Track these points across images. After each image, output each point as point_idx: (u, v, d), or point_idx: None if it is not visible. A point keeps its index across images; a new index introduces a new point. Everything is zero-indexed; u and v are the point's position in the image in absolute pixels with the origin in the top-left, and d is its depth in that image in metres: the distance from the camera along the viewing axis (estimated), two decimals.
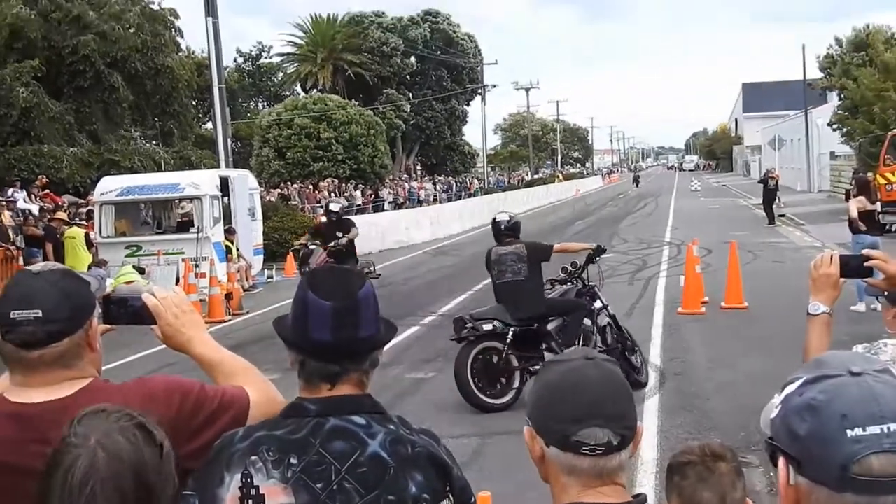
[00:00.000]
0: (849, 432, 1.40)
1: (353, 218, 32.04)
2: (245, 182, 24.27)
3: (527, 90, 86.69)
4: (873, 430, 1.40)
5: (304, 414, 2.19)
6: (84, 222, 22.64)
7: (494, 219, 10.74)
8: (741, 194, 57.13)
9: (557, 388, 1.84)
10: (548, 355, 9.49)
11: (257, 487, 2.11)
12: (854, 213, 14.80)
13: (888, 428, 1.40)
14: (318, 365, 2.22)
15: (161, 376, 2.45)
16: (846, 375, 1.48)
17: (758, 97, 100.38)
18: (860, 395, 1.44)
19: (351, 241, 16.17)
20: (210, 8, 27.02)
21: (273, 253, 25.45)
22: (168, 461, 1.76)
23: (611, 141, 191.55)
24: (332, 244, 15.93)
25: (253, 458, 2.13)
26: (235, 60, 65.29)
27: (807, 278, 3.11)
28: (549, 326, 9.96)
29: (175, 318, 2.53)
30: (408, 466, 2.16)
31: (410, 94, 65.71)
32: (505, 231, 10.42)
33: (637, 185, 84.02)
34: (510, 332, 9.68)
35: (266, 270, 24.36)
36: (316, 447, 2.14)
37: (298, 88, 64.08)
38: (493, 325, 9.69)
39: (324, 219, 19.63)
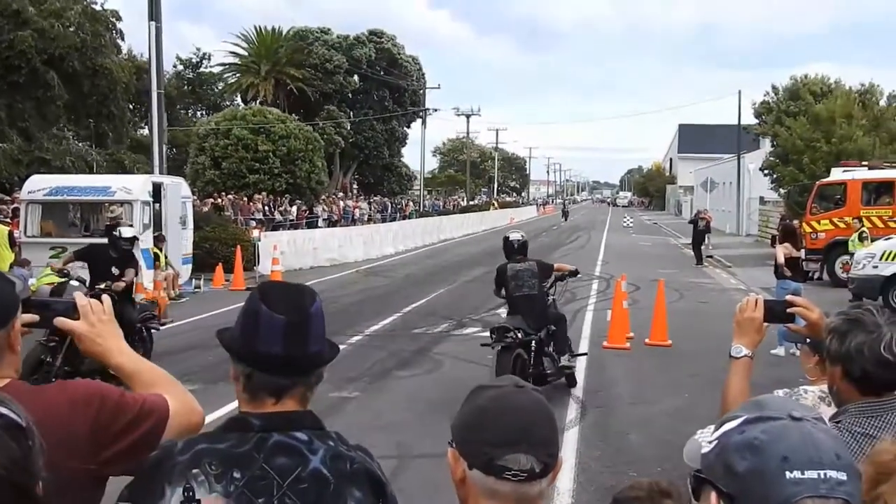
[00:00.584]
0: (788, 474, 1.45)
1: (287, 234, 31.93)
2: (178, 189, 23.99)
3: (467, 116, 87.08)
4: (811, 474, 1.45)
5: (248, 428, 2.19)
6: (8, 220, 22.16)
7: (507, 237, 11.95)
8: (672, 233, 58.00)
9: (486, 413, 1.85)
10: (545, 360, 11.23)
11: (199, 501, 2.10)
12: (780, 259, 15.14)
13: (825, 474, 1.45)
14: (267, 378, 2.22)
15: (82, 381, 2.42)
16: (787, 419, 1.53)
17: (693, 139, 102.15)
18: (801, 439, 1.49)
19: (130, 285, 12.75)
20: (153, 12, 26.77)
21: (202, 263, 25.16)
22: (38, 458, 1.66)
23: (547, 172, 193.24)
24: (104, 285, 12.16)
25: (195, 471, 2.11)
26: (175, 66, 64.49)
27: (730, 320, 3.17)
28: (541, 335, 11.23)
29: (92, 326, 2.50)
30: (347, 482, 2.17)
31: (351, 113, 65.66)
32: (517, 249, 11.65)
33: (566, 220, 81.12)
34: (533, 340, 11.04)
35: (194, 280, 24.08)
36: (259, 462, 2.13)
37: (238, 99, 63.59)
38: (526, 334, 10.95)
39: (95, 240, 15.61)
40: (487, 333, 16.27)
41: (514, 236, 11.95)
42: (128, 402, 2.35)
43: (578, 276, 12.84)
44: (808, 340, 3.50)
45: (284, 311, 2.20)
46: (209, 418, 9.91)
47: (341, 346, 9.83)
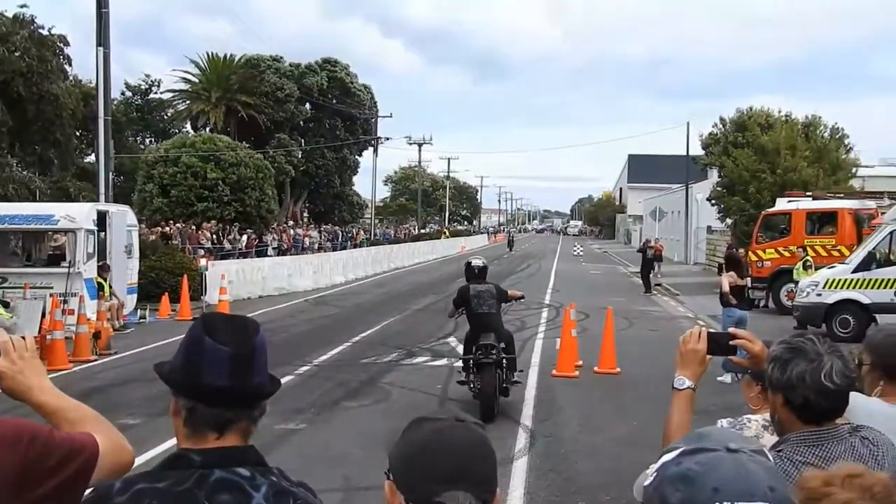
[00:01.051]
0: None
1: (235, 263, 31.65)
2: (124, 218, 23.66)
3: (419, 145, 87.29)
4: None
5: (189, 465, 2.11)
6: None
7: (469, 262, 13.42)
8: (621, 262, 58.46)
9: (425, 448, 1.82)
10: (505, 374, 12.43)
11: None
12: (726, 288, 15.29)
13: None
14: (211, 412, 2.16)
15: (11, 418, 2.32)
16: (723, 451, 1.51)
17: (643, 169, 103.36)
18: (734, 471, 1.48)
19: None
20: (101, 37, 26.52)
21: (148, 292, 24.82)
22: None
23: (499, 201, 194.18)
24: None
25: None
26: (123, 93, 63.90)
27: (676, 348, 3.15)
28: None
29: (13, 364, 2.42)
30: None
31: (303, 141, 65.50)
32: (478, 273, 13.04)
33: (511, 249, 77.10)
34: (503, 358, 12.31)
35: (139, 310, 23.71)
36: (201, 500, 2.06)
37: (188, 126, 63.15)
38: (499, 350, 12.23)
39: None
40: (437, 363, 16.30)
41: (476, 262, 13.36)
42: (56, 440, 2.26)
43: (523, 300, 14.50)
44: (749, 372, 3.49)
45: (230, 343, 2.15)
46: (153, 453, 9.70)
47: (288, 377, 9.77)
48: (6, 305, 17.91)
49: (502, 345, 12.44)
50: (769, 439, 3.30)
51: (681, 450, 1.56)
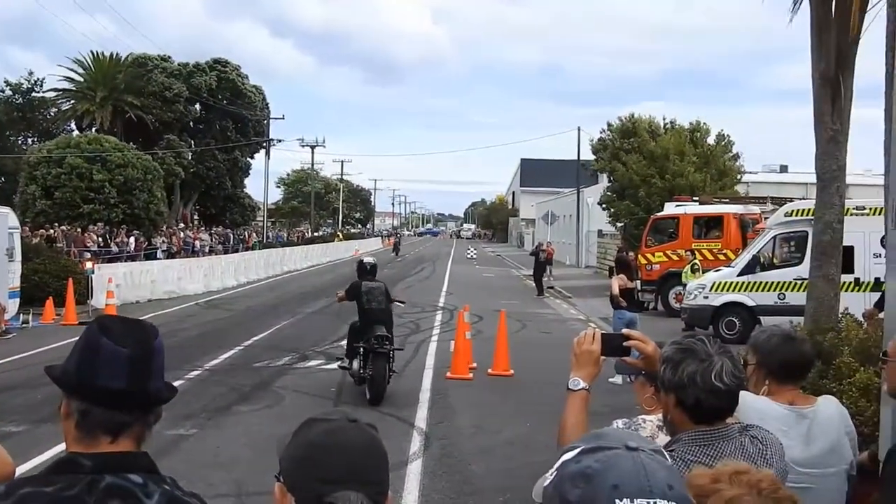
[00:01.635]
0: (618, 502, 1.45)
1: (123, 266, 30.92)
2: (5, 220, 22.89)
3: (312, 147, 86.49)
4: (640, 502, 1.45)
5: (78, 470, 2.04)
6: None
7: (362, 260, 14.88)
8: (514, 265, 59.05)
9: (316, 448, 1.81)
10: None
11: None
12: (615, 290, 15.59)
13: (654, 502, 1.45)
14: (106, 414, 2.10)
15: None
16: (622, 449, 1.53)
17: (535, 173, 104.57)
18: (633, 468, 1.49)
19: None
20: None
21: (31, 297, 24.05)
22: None
23: (392, 204, 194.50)
24: None
25: None
26: (3, 91, 61.66)
27: (570, 350, 3.18)
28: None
29: None
30: None
31: (193, 142, 64.39)
32: (369, 270, 14.39)
33: (397, 255, 72.71)
34: (393, 350, 13.79)
35: (22, 315, 22.95)
36: None
37: (73, 126, 61.38)
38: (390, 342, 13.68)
39: None
40: (331, 366, 16.20)
41: (368, 260, 14.94)
42: None
43: (403, 304, 16.57)
44: (643, 373, 3.55)
45: (128, 345, 2.11)
46: (37, 460, 9.41)
47: (179, 382, 9.60)
48: None
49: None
50: (664, 440, 3.36)
51: (580, 448, 1.58)
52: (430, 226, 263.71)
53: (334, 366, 16.40)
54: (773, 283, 21.03)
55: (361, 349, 13.43)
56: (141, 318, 2.33)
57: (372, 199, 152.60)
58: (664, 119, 43.60)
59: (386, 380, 13.33)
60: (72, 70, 61.29)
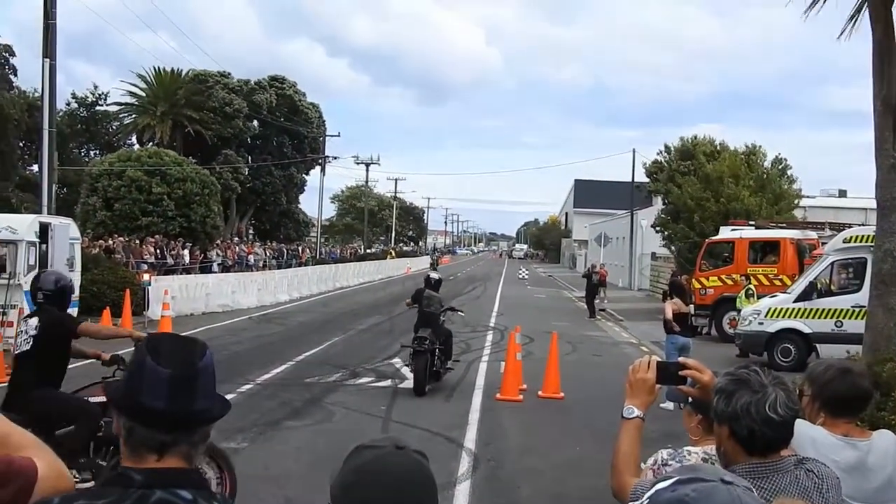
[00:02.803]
0: None
1: (179, 278, 31.32)
2: (66, 231, 23.33)
3: (367, 165, 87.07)
4: None
5: (129, 484, 2.08)
6: None
7: (429, 275, 17.58)
8: (566, 286, 58.83)
9: (364, 475, 1.84)
10: (437, 362, 15.91)
11: None
12: (669, 315, 15.44)
13: None
14: (148, 433, 2.13)
15: None
16: (718, 482, 1.57)
17: (589, 194, 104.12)
18: (729, 499, 1.54)
19: None
20: (48, 48, 26.21)
21: (89, 307, 24.41)
22: None
23: (445, 223, 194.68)
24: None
25: None
26: (69, 104, 62.90)
27: (622, 373, 3.16)
28: (438, 344, 15.97)
29: None
30: None
31: (250, 158, 65.10)
32: (434, 284, 17.09)
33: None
34: (437, 348, 15.83)
35: None
36: None
37: (134, 140, 62.43)
38: (432, 342, 15.62)
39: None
40: (381, 384, 16.31)
41: (434, 275, 17.81)
42: None
43: (461, 314, 19.18)
44: (690, 401, 3.52)
45: (171, 365, 2.13)
46: None
47: (231, 395, 9.63)
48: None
49: (438, 341, 15.85)
50: None
51: (676, 479, 1.61)
52: (482, 245, 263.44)
53: (385, 383, 16.50)
54: (830, 310, 20.70)
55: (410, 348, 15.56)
56: (192, 336, 2.36)
57: (425, 217, 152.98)
58: (720, 143, 43.24)
59: (426, 375, 15.27)
60: (134, 85, 62.44)
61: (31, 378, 7.97)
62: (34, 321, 8.23)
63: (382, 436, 2.06)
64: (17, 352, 8.25)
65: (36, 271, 20.83)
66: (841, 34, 11.10)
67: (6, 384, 8.35)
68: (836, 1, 10.94)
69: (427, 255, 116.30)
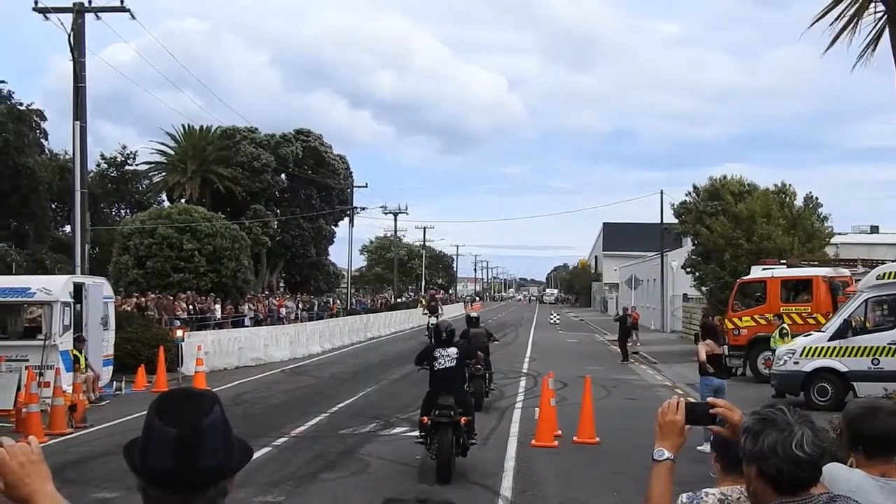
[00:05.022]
0: None
1: (211, 333, 31.54)
2: (100, 290, 23.65)
3: (395, 214, 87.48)
4: None
5: None
6: None
7: (469, 314, 21.00)
8: (598, 329, 58.54)
9: None
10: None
11: None
12: (703, 357, 15.36)
13: None
14: (158, 493, 2.18)
15: None
16: None
17: (617, 237, 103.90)
18: None
19: None
20: (78, 111, 26.74)
21: (124, 365, 24.66)
22: None
23: (475, 270, 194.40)
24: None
25: None
26: (98, 165, 63.81)
27: (654, 419, 3.20)
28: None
29: (20, 467, 2.34)
30: None
31: (278, 211, 65.54)
32: (474, 321, 20.63)
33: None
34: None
35: (115, 382, 23.55)
36: None
37: (164, 197, 63.13)
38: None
39: None
40: (415, 433, 16.28)
41: (473, 314, 20.98)
42: None
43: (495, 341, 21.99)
44: (711, 439, 3.55)
45: (176, 424, 2.16)
46: None
47: (266, 449, 9.70)
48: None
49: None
50: None
51: None
52: (513, 291, 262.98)
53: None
54: (866, 347, 20.49)
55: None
56: (205, 391, 2.39)
57: (454, 264, 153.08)
58: (747, 182, 43.13)
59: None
60: (163, 143, 63.23)
61: None
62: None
63: (412, 486, 2.10)
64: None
65: (71, 332, 21.19)
66: (857, 61, 11.16)
67: (45, 444, 8.45)
68: (851, 38, 11.05)
69: (463, 300, 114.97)
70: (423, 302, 40.87)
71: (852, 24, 10.87)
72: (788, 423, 2.74)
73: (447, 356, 13.14)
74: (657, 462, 3.09)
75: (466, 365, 14.45)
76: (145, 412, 2.26)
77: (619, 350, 35.36)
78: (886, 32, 10.44)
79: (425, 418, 12.90)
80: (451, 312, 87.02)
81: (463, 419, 12.77)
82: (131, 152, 65.71)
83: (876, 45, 10.60)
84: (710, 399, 3.26)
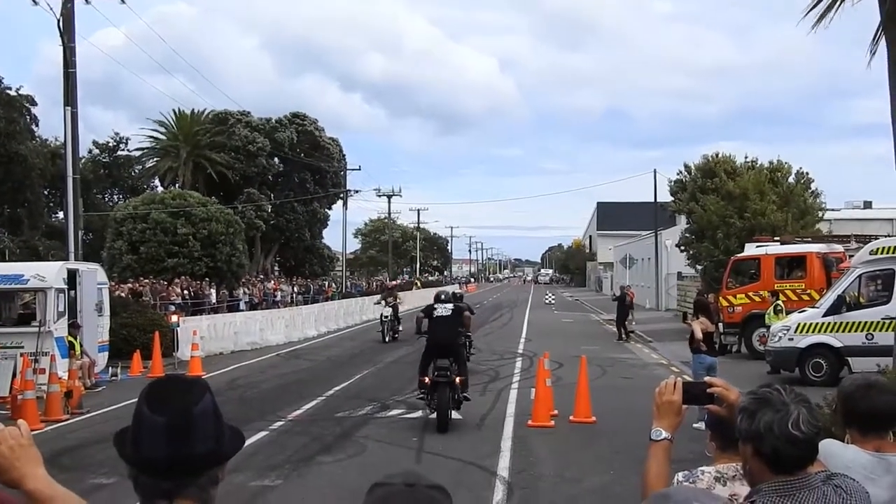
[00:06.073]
0: None
1: (207, 318, 31.50)
2: (94, 276, 23.59)
3: (388, 197, 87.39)
4: None
5: None
6: None
7: (454, 292, 20.52)
8: (593, 309, 58.64)
9: None
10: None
11: None
12: (699, 334, 15.37)
13: None
14: (152, 481, 2.17)
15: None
16: None
17: (612, 216, 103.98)
18: None
19: None
20: (69, 97, 26.61)
21: (119, 350, 24.64)
22: None
23: (469, 251, 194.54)
24: None
25: None
26: (91, 151, 63.64)
27: (652, 395, 3.19)
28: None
29: (10, 451, 2.38)
30: None
31: (272, 195, 65.42)
32: (458, 297, 20.00)
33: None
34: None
35: (111, 368, 23.53)
36: None
37: (157, 183, 63.00)
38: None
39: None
40: (412, 415, 16.33)
41: (459, 292, 20.95)
42: None
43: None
44: (706, 419, 3.55)
45: (166, 412, 2.14)
46: None
47: (262, 433, 9.68)
48: None
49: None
50: (721, 490, 3.37)
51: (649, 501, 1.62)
52: (507, 271, 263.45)
53: (416, 415, 16.50)
54: (860, 323, 20.55)
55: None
56: (193, 378, 2.37)
57: (449, 246, 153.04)
58: (745, 158, 43.04)
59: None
60: (154, 130, 63.02)
61: None
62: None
63: (400, 471, 2.09)
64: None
65: (66, 318, 21.16)
66: (870, 62, 11.17)
67: (41, 430, 8.44)
68: (841, 14, 11.02)
69: (455, 283, 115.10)
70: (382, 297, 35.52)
71: (839, 3, 10.86)
72: (784, 403, 2.73)
73: (444, 308, 15.77)
74: (655, 442, 3.08)
75: (459, 329, 16.26)
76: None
77: (614, 329, 35.37)
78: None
79: (427, 378, 15.09)
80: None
81: (458, 379, 15.08)
82: (124, 137, 65.54)
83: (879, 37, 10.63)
84: (707, 378, 3.25)
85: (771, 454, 2.70)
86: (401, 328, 35.19)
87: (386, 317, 34.59)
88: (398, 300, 37.13)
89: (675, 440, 3.13)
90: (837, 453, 3.38)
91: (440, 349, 15.29)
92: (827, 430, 3.40)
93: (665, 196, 50.95)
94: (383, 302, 35.59)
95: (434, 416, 15.03)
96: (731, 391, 3.12)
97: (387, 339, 33.57)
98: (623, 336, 34.05)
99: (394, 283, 38.00)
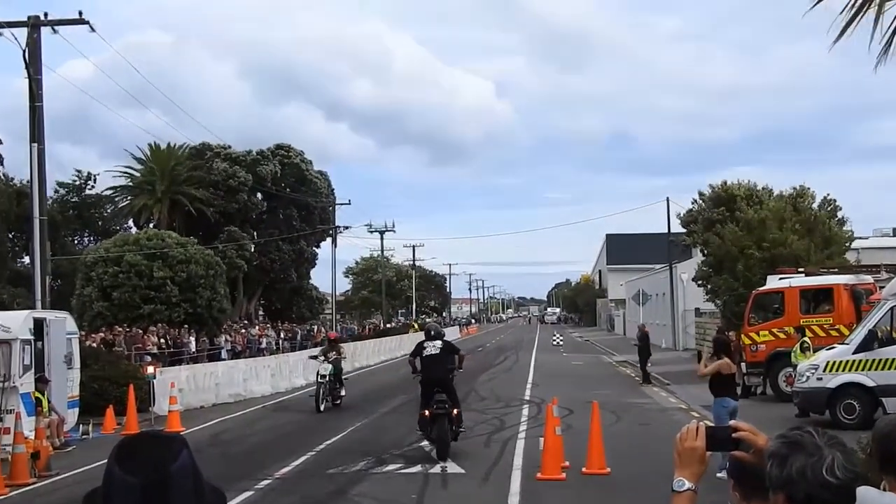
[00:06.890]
0: None
1: (186, 369, 31.35)
2: (63, 325, 23.52)
3: (381, 233, 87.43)
4: None
5: None
6: None
7: (433, 330, 20.63)
8: (605, 350, 58.51)
9: None
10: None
11: None
12: (706, 370, 15.32)
13: None
14: None
15: None
16: None
17: (622, 249, 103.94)
18: None
19: None
20: (35, 132, 26.68)
21: (91, 405, 24.49)
22: None
23: (469, 290, 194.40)
24: None
25: None
26: (57, 191, 63.57)
27: (672, 443, 3.15)
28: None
29: None
30: None
31: (255, 233, 65.40)
32: (435, 335, 19.29)
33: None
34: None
35: (81, 425, 23.36)
36: None
37: (131, 223, 62.98)
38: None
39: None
40: (410, 470, 16.25)
41: (443, 331, 23.27)
42: None
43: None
44: (728, 466, 3.50)
45: (140, 472, 2.12)
46: None
47: (247, 493, 9.65)
48: None
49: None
50: None
51: None
52: (511, 311, 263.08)
53: (415, 469, 16.42)
54: (894, 359, 20.48)
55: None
56: (169, 434, 2.34)
57: (447, 285, 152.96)
58: (763, 186, 43.14)
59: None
60: (128, 166, 62.99)
61: None
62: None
63: None
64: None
65: (32, 372, 21.07)
66: (877, 67, 11.17)
67: (6, 496, 8.37)
68: (860, 30, 11.05)
69: (455, 325, 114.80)
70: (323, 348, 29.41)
71: (862, 14, 10.86)
72: (817, 447, 2.70)
73: (433, 346, 18.01)
74: (677, 493, 3.04)
75: (449, 366, 18.21)
76: None
77: (627, 373, 35.22)
78: None
79: (427, 412, 17.22)
80: (446, 337, 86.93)
81: (454, 411, 17.47)
82: (91, 173, 65.19)
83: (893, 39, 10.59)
84: (733, 422, 3.20)
85: (805, 502, 2.67)
86: (343, 393, 29.20)
87: (323, 376, 27.90)
88: (341, 355, 30.55)
89: (699, 491, 3.09)
90: (874, 500, 3.35)
91: (434, 385, 17.61)
92: (863, 478, 3.36)
93: (677, 227, 51.03)
94: (322, 357, 28.94)
95: (432, 449, 17.43)
96: (758, 436, 3.07)
97: (321, 408, 26.99)
98: (646, 379, 33.87)
99: (335, 334, 33.66)
